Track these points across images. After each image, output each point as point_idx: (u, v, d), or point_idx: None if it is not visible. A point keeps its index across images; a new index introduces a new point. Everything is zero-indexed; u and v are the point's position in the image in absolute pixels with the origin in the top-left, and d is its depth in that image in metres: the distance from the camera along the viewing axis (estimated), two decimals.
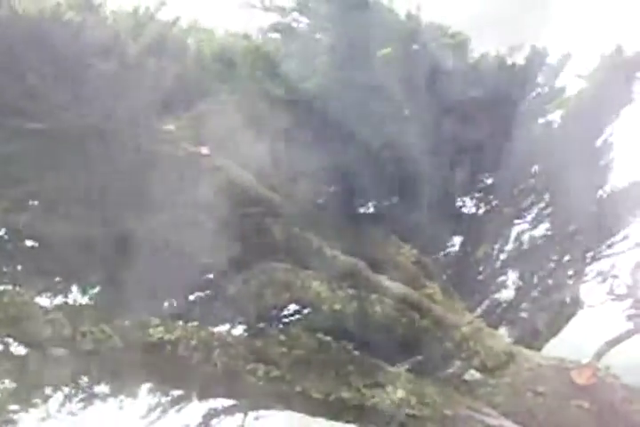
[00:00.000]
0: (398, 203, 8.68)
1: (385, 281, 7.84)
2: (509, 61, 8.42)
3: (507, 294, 9.44)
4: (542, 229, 9.42)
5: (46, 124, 6.74)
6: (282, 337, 7.67)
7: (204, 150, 7.05)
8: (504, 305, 9.39)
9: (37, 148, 7.16)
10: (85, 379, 7.70)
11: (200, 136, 7.09)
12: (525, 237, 9.46)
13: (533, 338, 8.86)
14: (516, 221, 9.38)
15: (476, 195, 9.16)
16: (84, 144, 7.03)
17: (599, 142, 9.00)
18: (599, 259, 9.40)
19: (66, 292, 8.33)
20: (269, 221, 7.47)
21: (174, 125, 6.90)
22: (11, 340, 7.22)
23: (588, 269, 9.35)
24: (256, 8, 7.85)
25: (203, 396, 8.32)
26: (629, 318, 8.97)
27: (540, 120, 8.86)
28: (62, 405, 8.28)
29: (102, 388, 8.37)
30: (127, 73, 6.59)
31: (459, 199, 9.06)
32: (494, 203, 9.18)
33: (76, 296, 8.38)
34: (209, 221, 7.16)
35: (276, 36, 7.95)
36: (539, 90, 8.69)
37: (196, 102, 7.12)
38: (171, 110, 7.01)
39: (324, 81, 7.41)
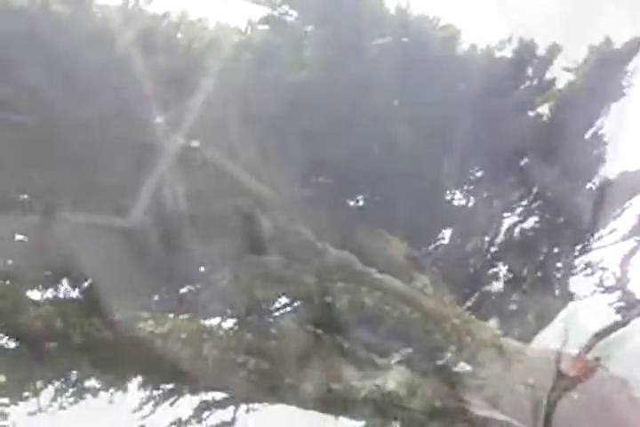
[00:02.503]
0: (388, 196, 8.69)
1: (375, 274, 7.84)
2: (498, 54, 8.44)
3: (497, 287, 9.46)
4: (532, 221, 9.44)
5: (36, 117, 6.73)
6: (272, 330, 7.67)
7: (194, 143, 7.04)
8: (494, 297, 9.41)
9: (27, 141, 7.16)
10: (76, 373, 7.69)
11: (190, 128, 7.08)
12: (515, 230, 9.47)
13: (523, 330, 8.87)
14: (506, 214, 9.39)
15: (466, 188, 9.17)
16: (73, 137, 7.02)
17: (589, 135, 9.01)
18: (588, 251, 9.43)
19: (57, 285, 8.31)
20: (259, 214, 7.46)
21: (164, 118, 6.89)
22: (1, 333, 7.21)
23: (577, 261, 9.38)
24: (246, 1, 7.81)
25: (194, 389, 8.32)
26: (618, 310, 9.00)
27: (530, 113, 8.87)
28: (53, 399, 8.26)
29: (93, 382, 8.37)
30: (116, 66, 6.59)
31: (448, 192, 9.07)
32: (484, 195, 9.19)
33: (66, 290, 8.38)
34: (198, 213, 7.17)
35: (265, 28, 7.91)
36: (528, 82, 8.71)
37: (186, 95, 7.10)
38: (161, 103, 6.99)
39: (313, 73, 7.40)
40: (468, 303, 9.17)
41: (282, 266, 7.74)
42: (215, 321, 8.45)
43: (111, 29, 6.52)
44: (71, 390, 8.37)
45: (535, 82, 8.68)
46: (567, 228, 9.15)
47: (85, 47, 6.40)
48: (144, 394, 9.02)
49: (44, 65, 6.49)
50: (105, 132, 6.91)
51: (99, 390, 8.47)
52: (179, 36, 7.49)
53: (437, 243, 9.23)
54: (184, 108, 6.97)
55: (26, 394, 7.61)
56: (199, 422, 8.87)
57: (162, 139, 6.82)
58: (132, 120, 6.75)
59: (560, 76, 8.77)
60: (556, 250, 9.22)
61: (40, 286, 8.17)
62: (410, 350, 8.62)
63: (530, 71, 8.65)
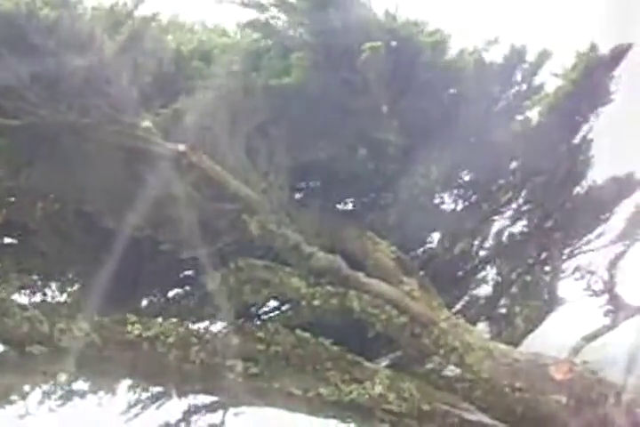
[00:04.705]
0: (376, 199, 8.71)
1: (363, 278, 7.85)
2: (488, 59, 8.45)
3: (485, 290, 9.47)
4: (520, 225, 9.45)
5: (22, 120, 6.73)
6: (260, 334, 7.69)
7: (181, 147, 7.04)
8: (483, 301, 9.42)
9: (14, 144, 7.16)
10: (64, 376, 7.70)
11: (177, 133, 7.08)
12: (504, 234, 9.48)
13: (511, 334, 8.90)
14: (495, 218, 9.40)
15: (455, 191, 9.18)
16: (61, 141, 7.02)
17: (577, 139, 9.04)
18: (577, 255, 9.45)
19: (44, 289, 8.32)
20: (246, 218, 7.46)
21: (152, 122, 6.89)
22: None
23: (565, 265, 9.40)
24: (234, 4, 7.81)
25: (182, 392, 8.33)
26: (606, 313, 9.05)
27: (519, 117, 8.90)
28: (41, 402, 8.27)
29: (81, 385, 8.37)
30: (104, 70, 6.58)
31: (437, 195, 9.08)
32: (473, 199, 9.20)
33: (54, 293, 8.38)
34: (186, 217, 7.17)
35: (253, 32, 7.92)
36: (517, 87, 8.73)
37: (174, 99, 7.10)
38: (148, 107, 6.99)
39: (302, 77, 7.41)
40: (457, 307, 9.18)
41: (270, 270, 7.75)
42: (203, 325, 8.47)
43: (98, 33, 6.50)
44: (59, 393, 8.37)
45: (524, 87, 8.71)
46: (556, 231, 9.17)
47: (73, 50, 6.38)
48: (132, 397, 9.01)
49: (30, 69, 6.49)
50: (91, 136, 6.90)
51: (86, 392, 8.47)
52: (167, 38, 7.50)
53: (426, 246, 9.22)
54: (172, 112, 6.96)
55: (13, 398, 7.62)
56: (187, 425, 8.88)
57: (149, 143, 6.81)
58: (119, 124, 6.74)
59: (549, 80, 8.80)
60: (544, 254, 9.22)
61: (27, 290, 8.17)
62: (398, 353, 8.64)
63: (519, 76, 8.67)
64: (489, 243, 9.46)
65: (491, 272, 9.45)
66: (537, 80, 8.75)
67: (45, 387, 8.11)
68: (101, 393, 8.58)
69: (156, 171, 7.00)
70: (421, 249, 9.26)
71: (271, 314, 8.76)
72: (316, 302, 7.68)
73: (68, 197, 7.65)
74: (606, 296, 9.14)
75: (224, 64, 7.39)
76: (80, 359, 7.19)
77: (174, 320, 7.66)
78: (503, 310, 9.34)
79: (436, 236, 9.28)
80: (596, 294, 9.22)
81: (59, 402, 8.43)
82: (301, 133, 7.75)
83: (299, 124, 7.67)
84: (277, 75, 7.51)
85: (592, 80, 8.25)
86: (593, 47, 8.15)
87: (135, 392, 8.87)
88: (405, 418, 7.55)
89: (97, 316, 7.32)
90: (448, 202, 9.25)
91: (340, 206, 8.90)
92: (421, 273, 8.54)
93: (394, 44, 7.64)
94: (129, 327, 7.32)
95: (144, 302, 8.53)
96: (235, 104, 7.37)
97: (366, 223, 8.38)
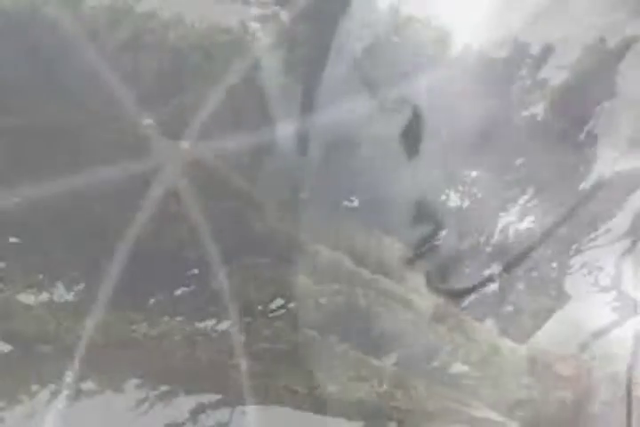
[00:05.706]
0: (382, 196, 8.68)
1: (368, 275, 7.83)
2: (492, 54, 8.42)
3: (492, 287, 9.43)
4: (527, 221, 9.41)
5: (24, 119, 6.74)
6: (266, 332, 7.68)
7: (184, 144, 7.04)
8: (489, 298, 9.38)
9: (16, 143, 7.17)
10: (71, 375, 7.70)
11: (180, 129, 7.08)
12: (510, 230, 9.45)
13: (519, 330, 8.87)
14: (501, 214, 9.37)
15: (461, 188, 9.15)
16: (63, 138, 7.03)
17: (583, 134, 8.99)
18: (583, 251, 9.41)
19: (51, 288, 8.32)
20: (251, 216, 7.45)
21: (153, 119, 6.89)
22: None
23: (572, 261, 9.35)
24: (237, 1, 7.80)
25: (189, 390, 8.32)
26: (614, 309, 9.00)
27: (524, 112, 8.85)
28: (49, 402, 8.25)
29: (88, 384, 8.37)
30: (105, 67, 6.59)
31: (443, 192, 9.05)
32: (479, 196, 9.17)
33: (60, 293, 8.39)
34: (191, 215, 7.18)
35: (256, 28, 7.90)
36: (522, 82, 8.69)
37: (176, 95, 7.10)
38: (150, 104, 6.99)
39: (304, 72, 7.40)
40: (464, 304, 9.15)
41: (275, 268, 7.74)
42: (209, 323, 8.46)
43: (100, 30, 6.50)
44: (66, 392, 8.35)
45: (529, 81, 8.65)
46: (562, 227, 9.12)
47: (74, 47, 6.39)
48: (140, 396, 9.00)
49: (31, 67, 6.50)
50: (94, 134, 6.91)
51: (94, 392, 8.46)
52: (169, 35, 7.49)
53: (432, 243, 9.18)
54: (174, 109, 6.96)
55: (21, 397, 7.62)
56: (195, 423, 8.87)
57: (151, 140, 6.81)
58: (122, 121, 6.74)
59: (554, 75, 8.74)
60: (551, 250, 9.18)
61: (34, 289, 8.18)
62: (405, 350, 8.62)
63: (524, 71, 8.62)
64: (495, 239, 9.42)
65: (497, 269, 9.41)
66: (542, 75, 8.71)
67: (53, 387, 8.10)
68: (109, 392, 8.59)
69: (159, 168, 7.00)
70: (428, 246, 9.23)
71: (277, 312, 8.74)
72: (322, 300, 7.67)
73: (70, 194, 7.64)
74: (614, 292, 9.10)
75: (226, 60, 7.38)
76: (86, 358, 7.20)
77: (180, 319, 7.66)
78: (510, 307, 9.31)
79: (442, 232, 9.26)
80: (603, 289, 9.18)
81: (67, 402, 8.42)
82: (305, 130, 7.74)
83: (302, 121, 7.66)
84: (280, 71, 7.50)
85: (597, 73, 8.21)
86: (600, 40, 8.09)
87: (143, 391, 8.87)
88: (413, 415, 7.53)
89: (103, 315, 7.32)
90: (454, 199, 9.23)
91: (345, 203, 8.87)
92: (428, 270, 8.52)
93: (395, 39, 7.63)
94: (135, 326, 7.33)
95: (150, 301, 8.51)
96: (237, 100, 7.36)
97: (372, 220, 8.36)
